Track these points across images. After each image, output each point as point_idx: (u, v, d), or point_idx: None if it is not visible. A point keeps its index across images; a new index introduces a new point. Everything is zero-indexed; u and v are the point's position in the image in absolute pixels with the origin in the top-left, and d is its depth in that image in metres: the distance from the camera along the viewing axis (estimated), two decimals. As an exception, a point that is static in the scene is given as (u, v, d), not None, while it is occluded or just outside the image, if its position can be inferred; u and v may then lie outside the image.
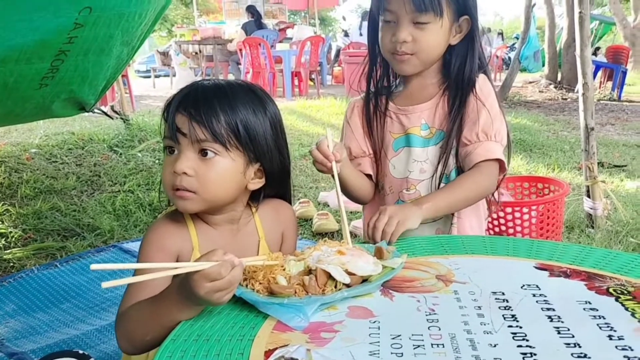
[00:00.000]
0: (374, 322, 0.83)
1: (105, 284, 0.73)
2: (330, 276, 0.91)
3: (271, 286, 0.88)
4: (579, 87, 2.42)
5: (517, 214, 1.97)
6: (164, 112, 1.04)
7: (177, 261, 1.02)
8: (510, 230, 1.99)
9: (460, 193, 1.28)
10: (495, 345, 0.75)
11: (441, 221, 1.38)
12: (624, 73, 9.28)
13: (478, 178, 1.29)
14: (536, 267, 1.02)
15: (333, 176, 1.18)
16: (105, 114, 3.93)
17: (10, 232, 2.61)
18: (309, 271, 0.93)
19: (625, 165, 4.08)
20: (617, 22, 12.87)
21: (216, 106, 0.99)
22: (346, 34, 13.18)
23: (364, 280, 0.93)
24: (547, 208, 1.96)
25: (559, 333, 0.78)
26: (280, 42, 9.76)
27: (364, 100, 1.44)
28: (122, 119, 4.23)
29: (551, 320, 0.81)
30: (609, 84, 9.29)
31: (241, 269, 0.84)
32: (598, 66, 9.69)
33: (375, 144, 1.42)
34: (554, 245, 1.14)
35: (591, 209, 2.53)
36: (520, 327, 0.79)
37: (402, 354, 0.73)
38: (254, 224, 1.13)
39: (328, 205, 3.22)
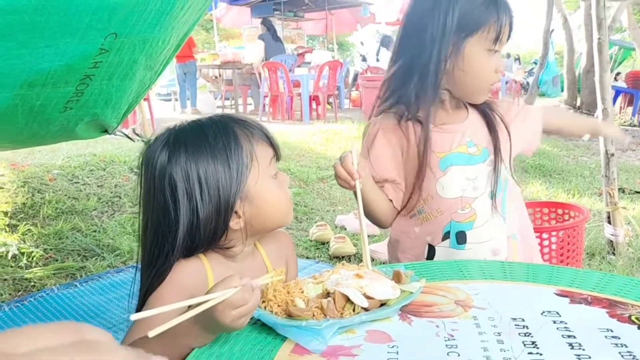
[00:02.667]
0: (392, 347, 0.83)
1: (134, 317, 0.73)
2: (348, 299, 0.91)
3: (289, 309, 0.89)
4: (599, 112, 2.42)
5: (537, 240, 1.95)
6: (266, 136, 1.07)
7: None
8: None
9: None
10: (515, 372, 0.74)
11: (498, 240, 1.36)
12: (640, 98, 9.21)
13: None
14: (556, 294, 1.01)
15: (355, 195, 1.17)
16: (127, 136, 3.99)
17: (32, 251, 2.65)
18: (327, 294, 0.94)
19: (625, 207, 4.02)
20: (636, 47, 12.77)
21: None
22: (364, 59, 13.30)
23: (382, 304, 0.93)
24: (568, 234, 1.94)
25: (580, 361, 0.77)
26: (298, 66, 9.89)
27: (394, 121, 1.36)
28: (143, 141, 4.28)
29: (572, 348, 0.80)
30: (629, 109, 9.20)
31: (259, 291, 0.85)
32: (618, 91, 9.62)
33: (413, 167, 1.35)
34: (575, 271, 1.13)
35: (612, 235, 2.50)
36: (541, 355, 0.79)
37: (420, 379, 0.73)
38: (260, 256, 1.14)
39: (345, 229, 3.21)
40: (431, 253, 1.38)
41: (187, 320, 0.80)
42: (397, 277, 1.01)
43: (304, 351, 0.82)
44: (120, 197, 3.49)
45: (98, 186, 3.69)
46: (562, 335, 0.85)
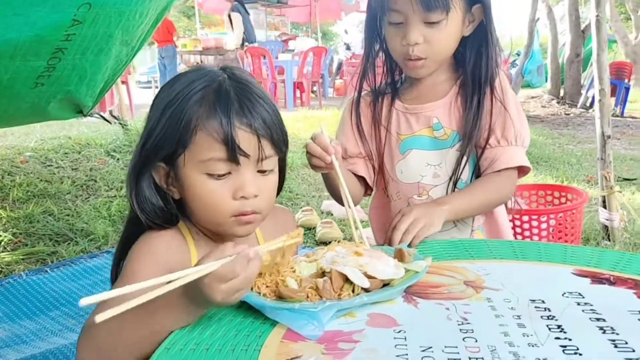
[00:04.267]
0: (399, 331, 0.72)
1: (84, 301, 0.61)
2: (346, 279, 0.80)
3: (280, 289, 0.78)
4: (595, 92, 2.33)
5: (535, 223, 1.86)
6: (193, 126, 0.86)
7: None
8: (527, 240, 1.89)
9: (481, 196, 1.19)
10: (544, 360, 0.64)
11: (456, 229, 1.26)
12: (627, 89, 9.22)
13: (499, 183, 1.20)
14: (575, 274, 0.91)
15: (335, 172, 1.05)
16: (104, 118, 3.83)
17: (0, 235, 2.50)
18: (322, 274, 0.83)
19: (635, 179, 3.98)
20: (618, 39, 12.84)
21: (269, 114, 0.90)
22: (348, 47, 13.16)
23: (385, 285, 0.82)
24: (566, 217, 1.86)
25: (616, 347, 0.67)
26: (282, 52, 9.71)
27: (365, 99, 1.32)
28: (120, 124, 4.13)
29: (604, 332, 0.70)
30: (612, 100, 9.23)
31: (259, 261, 0.73)
32: (601, 82, 9.65)
33: (377, 147, 1.30)
34: (591, 250, 1.04)
35: (607, 220, 2.43)
36: (570, 340, 0.69)
37: (435, 368, 0.63)
38: (254, 237, 1.02)
39: (332, 214, 3.11)
40: None
41: (173, 292, 0.69)
42: (399, 256, 0.90)
43: (298, 337, 0.71)
44: (95, 181, 3.34)
45: (73, 169, 3.53)
46: (590, 319, 0.75)
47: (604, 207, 2.43)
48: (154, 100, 0.93)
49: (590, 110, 9.42)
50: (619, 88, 9.19)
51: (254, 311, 0.78)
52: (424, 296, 0.83)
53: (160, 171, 0.91)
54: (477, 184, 1.21)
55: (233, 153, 0.85)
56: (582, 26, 10.08)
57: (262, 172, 0.90)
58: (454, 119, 1.23)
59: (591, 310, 0.77)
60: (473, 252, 1.03)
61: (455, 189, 1.22)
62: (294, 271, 0.83)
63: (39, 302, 2.01)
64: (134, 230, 0.95)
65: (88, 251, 2.44)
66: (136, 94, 8.92)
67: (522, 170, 1.22)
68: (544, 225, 1.87)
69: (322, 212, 3.18)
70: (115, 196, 3.09)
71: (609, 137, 2.34)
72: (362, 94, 1.33)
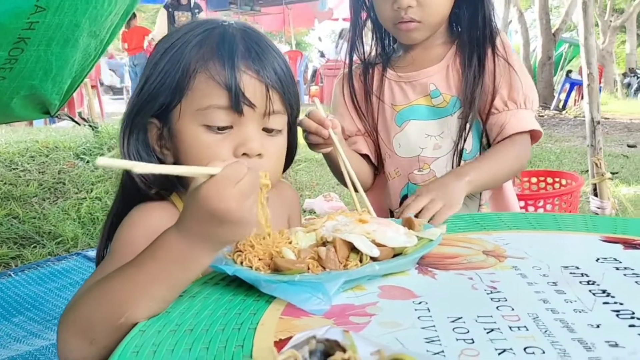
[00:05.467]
0: (419, 302, 0.61)
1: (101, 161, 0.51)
2: (352, 248, 0.69)
3: (275, 261, 0.66)
4: (584, 77, 2.27)
5: (531, 209, 1.78)
6: (192, 69, 0.75)
7: None
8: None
9: (502, 165, 1.08)
10: (598, 326, 0.54)
11: (463, 205, 1.16)
12: (599, 90, 9.33)
13: (517, 149, 1.09)
14: (603, 240, 0.81)
15: (334, 147, 0.94)
16: (72, 119, 3.66)
17: (-41, 240, 2.33)
18: (323, 244, 0.71)
19: (617, 172, 3.97)
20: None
21: (280, 65, 0.78)
22: (322, 55, 13.12)
23: (395, 255, 0.71)
24: (562, 201, 1.78)
25: (675, 309, 0.57)
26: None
27: (355, 72, 1.22)
28: (90, 126, 3.95)
29: (656, 296, 0.61)
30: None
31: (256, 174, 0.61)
32: (573, 84, 9.76)
33: (374, 121, 1.20)
34: (612, 219, 0.94)
35: (598, 208, 2.36)
36: (621, 304, 0.58)
37: (472, 340, 0.52)
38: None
39: (314, 212, 3.00)
40: None
41: (169, 234, 0.59)
42: (408, 224, 0.79)
43: (300, 312, 0.59)
44: (64, 183, 3.17)
45: (40, 172, 3.34)
46: (636, 282, 0.65)
47: (595, 195, 2.37)
48: (151, 53, 0.82)
49: (564, 112, 9.53)
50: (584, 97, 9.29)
51: (246, 288, 0.66)
52: (441, 267, 0.72)
53: (153, 129, 0.79)
54: (493, 152, 1.10)
55: (236, 100, 0.73)
56: (553, 29, 10.25)
57: (268, 131, 0.79)
58: (452, 83, 1.13)
59: (633, 274, 0.67)
60: (485, 224, 0.92)
61: (461, 161, 1.12)
62: (290, 242, 0.72)
63: (1, 307, 1.84)
64: (123, 207, 0.83)
65: (55, 254, 2.28)
66: (107, 102, 8.69)
67: (533, 136, 1.13)
68: (541, 211, 1.79)
69: (305, 211, 3.06)
70: (85, 198, 2.93)
71: (598, 122, 2.28)
72: (353, 67, 1.23)
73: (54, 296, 1.90)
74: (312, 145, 0.97)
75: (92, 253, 2.24)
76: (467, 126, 1.11)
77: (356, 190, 0.92)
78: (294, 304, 0.60)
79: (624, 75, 14.55)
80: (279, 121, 0.80)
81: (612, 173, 3.86)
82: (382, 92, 1.18)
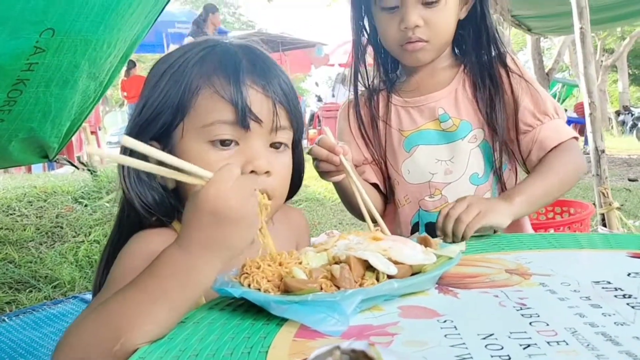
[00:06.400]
0: (444, 321, 0.56)
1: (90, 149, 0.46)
2: (368, 267, 0.64)
3: (285, 281, 0.61)
4: (585, 106, 2.26)
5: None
6: (194, 86, 0.72)
7: None
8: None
9: (553, 177, 1.02)
10: (645, 339, 0.49)
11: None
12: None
13: (567, 157, 1.04)
14: (631, 256, 0.77)
15: (347, 173, 0.91)
16: (71, 163, 3.64)
17: (-47, 286, 2.25)
18: (335, 264, 0.66)
19: (622, 206, 3.92)
20: (579, 84, 13.23)
21: (285, 81, 0.77)
22: (319, 99, 13.29)
23: (413, 273, 0.66)
24: (574, 229, 1.73)
25: None
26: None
27: (360, 99, 1.19)
28: (89, 170, 3.92)
29: (702, 307, 0.56)
30: (581, 139, 9.38)
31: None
32: (569, 122, 9.83)
33: (381, 148, 1.17)
34: (635, 236, 0.90)
35: (608, 239, 2.30)
36: (666, 317, 0.54)
37: (508, 356, 0.47)
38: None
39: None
40: None
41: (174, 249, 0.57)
42: (424, 243, 0.74)
43: (315, 334, 0.54)
44: (62, 227, 3.11)
45: (37, 217, 3.29)
46: (676, 295, 0.60)
47: (604, 225, 2.32)
48: (148, 75, 0.79)
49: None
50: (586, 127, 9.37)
51: (254, 312, 0.61)
52: (462, 286, 0.67)
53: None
54: (543, 166, 1.04)
55: (243, 115, 0.70)
56: (546, 70, 10.40)
57: (275, 147, 0.76)
58: (462, 108, 1.10)
59: (671, 288, 0.63)
60: (503, 245, 0.88)
61: (473, 187, 1.08)
62: (301, 263, 0.67)
63: (-6, 354, 1.76)
64: (121, 236, 0.79)
65: (52, 298, 2.21)
66: (106, 151, 8.69)
67: None
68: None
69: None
70: (83, 241, 2.86)
71: (603, 151, 2.25)
72: (358, 94, 1.20)
73: (49, 341, 1.82)
74: (324, 174, 0.94)
75: (90, 296, 2.17)
76: (497, 149, 1.08)
77: (374, 222, 0.87)
78: (308, 325, 0.55)
79: (617, 113, 14.69)
80: (285, 137, 0.77)
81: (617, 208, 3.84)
82: (388, 118, 1.16)
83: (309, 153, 0.91)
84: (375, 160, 1.17)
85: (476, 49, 1.11)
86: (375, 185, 1.17)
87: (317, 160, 0.91)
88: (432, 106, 1.12)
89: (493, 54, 1.10)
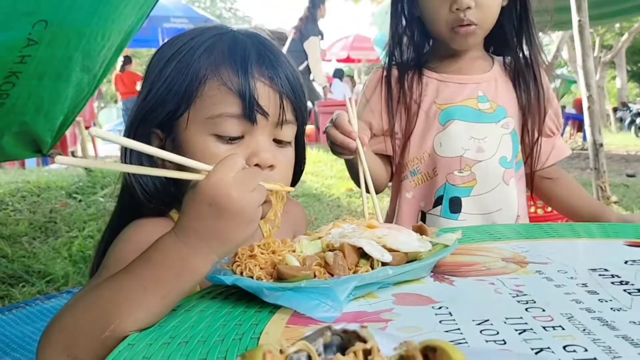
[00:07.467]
0: (439, 307, 0.55)
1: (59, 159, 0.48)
2: (362, 254, 0.63)
3: (278, 268, 0.60)
4: (583, 99, 2.25)
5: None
6: (201, 75, 0.71)
7: None
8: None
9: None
10: (642, 324, 0.48)
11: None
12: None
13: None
14: (628, 245, 0.76)
15: (349, 163, 0.97)
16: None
17: (-55, 281, 2.23)
18: (329, 251, 0.65)
19: (619, 201, 3.93)
20: (577, 79, 13.24)
21: (292, 73, 0.75)
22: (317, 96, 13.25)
23: (409, 261, 0.66)
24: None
25: None
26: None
27: (393, 73, 1.19)
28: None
29: (700, 293, 0.55)
30: (579, 135, 9.39)
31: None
32: (567, 118, 9.84)
33: (406, 123, 1.16)
34: (632, 226, 0.90)
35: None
36: (664, 302, 0.53)
37: (504, 340, 0.46)
38: (260, 234, 0.84)
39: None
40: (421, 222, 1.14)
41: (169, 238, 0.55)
42: (420, 231, 0.73)
43: (308, 320, 0.53)
44: (55, 222, 3.09)
45: (30, 212, 3.27)
46: (674, 282, 0.59)
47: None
48: (153, 58, 0.78)
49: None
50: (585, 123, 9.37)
51: (247, 300, 0.60)
52: (458, 274, 0.66)
53: (155, 141, 0.75)
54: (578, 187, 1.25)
55: (250, 109, 0.69)
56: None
57: (278, 142, 0.75)
58: (500, 95, 1.14)
59: (669, 275, 0.62)
60: (499, 235, 0.87)
61: (502, 170, 1.12)
62: (294, 251, 0.66)
63: (-14, 348, 1.75)
64: (120, 223, 0.77)
65: (45, 292, 2.19)
66: (101, 148, 8.63)
67: None
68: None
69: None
70: (77, 236, 2.84)
71: (601, 145, 2.25)
72: (393, 67, 1.20)
73: (42, 335, 1.80)
74: (336, 153, 0.95)
75: (83, 290, 2.15)
76: (534, 141, 1.16)
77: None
78: (301, 312, 0.55)
79: (615, 109, 14.71)
80: (290, 132, 0.76)
81: (614, 202, 3.85)
82: (423, 91, 1.16)
83: (324, 132, 0.91)
84: (392, 134, 1.17)
85: (515, 44, 1.15)
86: (389, 158, 1.18)
87: (331, 141, 0.91)
88: (473, 87, 1.14)
89: (534, 52, 1.14)
